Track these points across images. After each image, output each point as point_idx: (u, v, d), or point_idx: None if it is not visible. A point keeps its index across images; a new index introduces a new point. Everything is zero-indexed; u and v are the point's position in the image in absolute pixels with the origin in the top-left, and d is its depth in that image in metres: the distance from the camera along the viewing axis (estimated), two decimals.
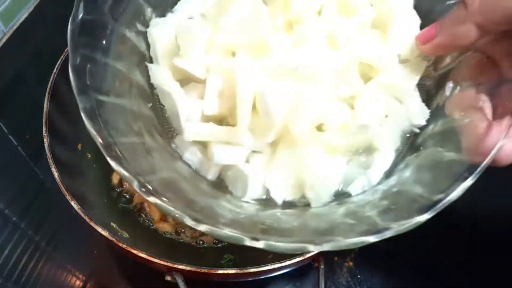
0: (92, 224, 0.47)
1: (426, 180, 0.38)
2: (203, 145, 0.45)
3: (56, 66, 0.59)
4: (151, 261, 0.46)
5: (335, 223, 0.37)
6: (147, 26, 0.48)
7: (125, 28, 0.46)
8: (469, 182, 0.33)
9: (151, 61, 0.48)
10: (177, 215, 0.33)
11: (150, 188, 0.34)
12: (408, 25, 0.45)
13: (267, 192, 0.44)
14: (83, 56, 0.39)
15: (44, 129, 0.54)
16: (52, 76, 0.58)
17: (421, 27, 0.45)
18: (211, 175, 0.45)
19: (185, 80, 0.47)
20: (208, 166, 0.45)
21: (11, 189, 0.66)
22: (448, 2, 0.45)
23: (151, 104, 0.48)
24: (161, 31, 0.47)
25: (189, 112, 0.44)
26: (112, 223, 0.56)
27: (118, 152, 0.36)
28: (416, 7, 0.47)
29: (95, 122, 0.36)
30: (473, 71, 0.39)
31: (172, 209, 0.33)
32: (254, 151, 0.44)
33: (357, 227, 0.34)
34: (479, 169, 0.33)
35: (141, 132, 0.42)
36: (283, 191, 0.44)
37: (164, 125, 0.48)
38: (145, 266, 0.48)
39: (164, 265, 0.46)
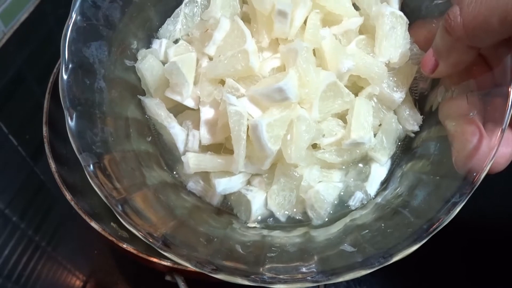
0: (92, 224, 0.47)
1: (420, 200, 0.38)
2: (205, 172, 0.45)
3: (56, 66, 0.59)
4: (151, 261, 0.45)
5: (337, 250, 0.38)
6: (134, 59, 0.48)
7: (113, 68, 0.45)
8: (459, 206, 0.33)
9: (143, 94, 0.48)
10: (192, 267, 0.34)
11: (162, 243, 0.35)
12: (396, 29, 0.44)
13: (270, 212, 0.45)
14: (78, 114, 0.38)
15: (44, 129, 0.54)
16: (52, 76, 0.57)
17: (409, 27, 0.45)
18: (216, 201, 0.47)
19: (179, 106, 0.47)
20: (211, 193, 0.46)
21: (11, 189, 0.66)
22: (435, 2, 0.44)
23: (150, 137, 0.48)
24: (149, 64, 0.46)
25: (187, 142, 0.45)
26: (112, 223, 0.56)
27: (126, 208, 0.36)
28: (403, 6, 0.47)
29: (100, 180, 0.37)
30: (464, 75, 0.38)
31: (186, 263, 0.34)
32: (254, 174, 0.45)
33: (355, 256, 0.36)
34: (468, 192, 0.33)
35: (146, 175, 0.43)
36: (286, 209, 0.45)
37: (166, 153, 0.49)
38: (145, 266, 0.48)
39: (164, 265, 0.45)
